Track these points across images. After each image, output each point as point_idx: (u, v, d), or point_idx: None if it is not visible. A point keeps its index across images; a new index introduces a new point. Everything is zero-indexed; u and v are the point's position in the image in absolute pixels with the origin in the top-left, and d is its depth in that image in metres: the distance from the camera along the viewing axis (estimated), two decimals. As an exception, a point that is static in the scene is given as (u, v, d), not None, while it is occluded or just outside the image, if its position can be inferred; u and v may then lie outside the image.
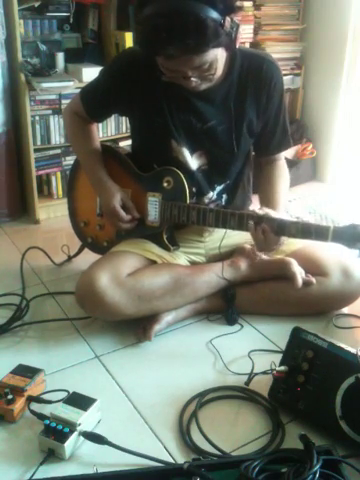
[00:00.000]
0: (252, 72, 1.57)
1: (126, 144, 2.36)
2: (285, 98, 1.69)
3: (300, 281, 1.61)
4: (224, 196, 1.71)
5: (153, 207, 1.65)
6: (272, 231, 1.46)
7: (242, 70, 1.56)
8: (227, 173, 1.68)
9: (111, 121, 2.52)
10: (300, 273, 1.63)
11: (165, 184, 1.62)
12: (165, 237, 1.67)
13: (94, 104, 1.69)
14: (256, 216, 1.48)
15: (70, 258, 2.09)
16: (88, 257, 1.88)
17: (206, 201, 1.67)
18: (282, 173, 1.75)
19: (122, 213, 1.65)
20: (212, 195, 1.68)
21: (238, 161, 1.69)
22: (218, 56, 1.40)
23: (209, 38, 1.31)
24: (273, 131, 1.69)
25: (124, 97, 1.61)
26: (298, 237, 1.46)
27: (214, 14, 1.29)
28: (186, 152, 1.61)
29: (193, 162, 1.63)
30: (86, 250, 1.98)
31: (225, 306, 1.71)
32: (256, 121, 1.63)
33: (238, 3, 1.38)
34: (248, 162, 1.75)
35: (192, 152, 1.63)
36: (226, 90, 1.56)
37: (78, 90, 1.80)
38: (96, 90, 1.67)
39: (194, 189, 1.63)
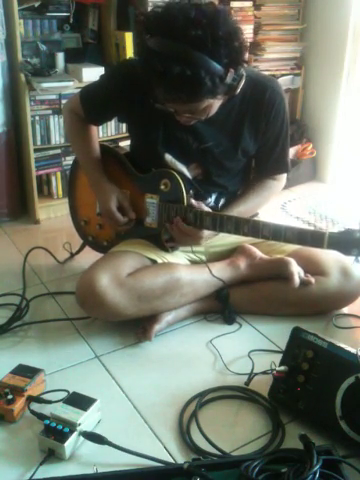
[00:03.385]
0: (254, 97, 1.55)
1: (126, 144, 2.35)
2: (288, 126, 1.66)
3: (297, 281, 1.61)
4: (222, 200, 1.72)
5: (151, 208, 1.65)
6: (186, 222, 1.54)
7: (245, 94, 1.53)
8: (222, 185, 1.68)
9: (111, 121, 2.51)
10: (298, 273, 1.63)
11: (162, 186, 1.61)
12: (164, 238, 1.67)
13: (93, 109, 1.68)
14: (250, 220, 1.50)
15: (73, 255, 2.08)
16: (89, 257, 1.88)
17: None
18: (262, 192, 1.72)
19: (118, 215, 1.65)
20: (210, 201, 1.68)
21: (234, 176, 1.69)
22: (214, 101, 1.39)
23: (203, 94, 1.30)
24: (268, 156, 1.68)
25: (122, 107, 1.62)
26: (294, 243, 1.46)
27: (216, 67, 1.27)
28: (181, 165, 1.62)
29: (188, 173, 1.63)
30: (86, 250, 1.99)
31: (221, 306, 1.71)
32: (252, 145, 1.63)
33: (246, 55, 1.36)
34: (247, 172, 1.76)
35: (187, 165, 1.63)
36: (227, 113, 1.55)
37: (78, 90, 1.80)
38: (95, 95, 1.67)
39: (191, 191, 1.63)
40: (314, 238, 1.42)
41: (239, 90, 1.42)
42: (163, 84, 1.30)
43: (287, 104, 1.64)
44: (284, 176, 1.77)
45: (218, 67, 1.28)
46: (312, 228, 1.46)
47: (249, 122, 1.58)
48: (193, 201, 1.57)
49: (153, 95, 1.39)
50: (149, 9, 2.40)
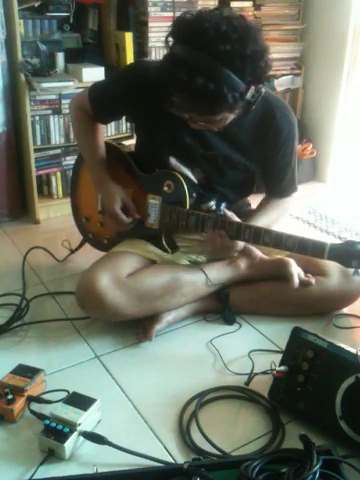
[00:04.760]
0: (265, 120, 1.55)
1: (126, 144, 2.35)
2: (296, 153, 1.66)
3: (297, 281, 1.61)
4: (223, 204, 1.71)
5: (153, 209, 1.65)
6: (229, 235, 1.49)
7: (257, 114, 1.53)
8: (223, 192, 1.68)
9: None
10: (298, 273, 1.63)
11: (166, 188, 1.61)
12: (164, 239, 1.67)
13: (102, 107, 1.68)
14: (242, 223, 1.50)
15: (72, 252, 2.06)
16: (89, 257, 1.88)
17: (205, 208, 1.67)
18: (271, 213, 1.69)
19: (122, 216, 1.65)
20: (212, 204, 1.68)
21: (235, 186, 1.69)
22: (231, 114, 1.39)
23: (222, 108, 1.30)
24: (277, 180, 1.68)
25: (131, 107, 1.62)
26: (294, 251, 1.46)
27: (239, 84, 1.27)
28: (185, 168, 1.62)
29: (193, 177, 1.63)
30: (86, 250, 1.98)
31: (221, 306, 1.71)
32: (254, 164, 1.63)
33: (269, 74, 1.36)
34: (249, 185, 1.76)
35: (191, 169, 1.63)
36: (238, 127, 1.54)
37: (78, 90, 1.80)
38: (104, 95, 1.66)
39: (194, 194, 1.63)
40: (315, 248, 1.41)
41: (254, 106, 1.42)
42: (184, 93, 1.29)
43: (297, 134, 1.62)
44: (290, 198, 1.76)
45: (241, 84, 1.28)
46: (313, 238, 1.44)
47: (256, 141, 1.58)
48: (227, 211, 1.53)
49: (169, 100, 1.37)
50: (149, 9, 2.41)
